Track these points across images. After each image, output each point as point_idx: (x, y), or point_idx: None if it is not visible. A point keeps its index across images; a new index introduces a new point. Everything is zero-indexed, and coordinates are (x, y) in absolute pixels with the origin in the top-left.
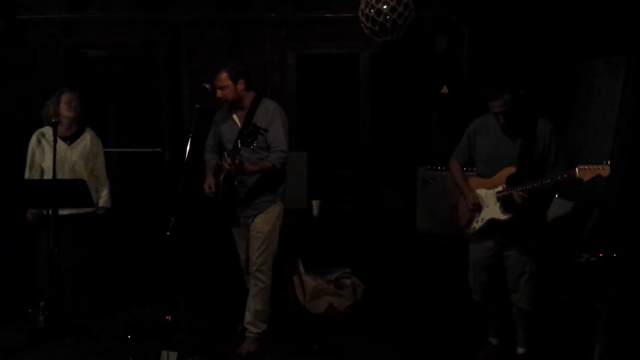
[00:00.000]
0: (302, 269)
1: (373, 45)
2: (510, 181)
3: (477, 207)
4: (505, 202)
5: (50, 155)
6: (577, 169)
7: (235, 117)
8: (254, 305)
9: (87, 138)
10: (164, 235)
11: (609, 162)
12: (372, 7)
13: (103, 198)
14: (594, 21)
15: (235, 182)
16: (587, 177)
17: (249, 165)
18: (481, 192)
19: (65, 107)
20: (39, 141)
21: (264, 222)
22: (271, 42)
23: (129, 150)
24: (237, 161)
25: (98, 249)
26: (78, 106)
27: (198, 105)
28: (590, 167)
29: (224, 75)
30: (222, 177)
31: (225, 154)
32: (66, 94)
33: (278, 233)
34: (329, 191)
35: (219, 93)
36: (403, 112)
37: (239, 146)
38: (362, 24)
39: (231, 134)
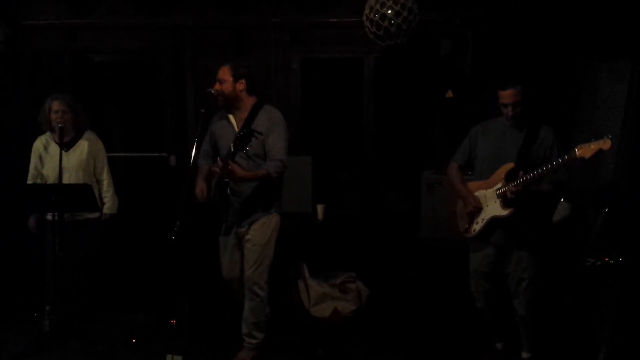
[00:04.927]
0: (306, 273)
1: (377, 50)
2: (510, 177)
3: (477, 209)
4: (505, 198)
5: (49, 162)
6: (576, 149)
7: (231, 118)
8: (250, 318)
9: (85, 143)
10: (168, 240)
11: (609, 135)
12: (377, 11)
13: (107, 204)
14: (600, 25)
15: (228, 190)
16: (588, 154)
17: (241, 171)
18: (480, 193)
19: (54, 115)
20: (39, 149)
21: (260, 234)
22: (275, 46)
23: (134, 154)
24: (229, 166)
25: (103, 253)
26: (67, 114)
27: (203, 110)
28: (590, 143)
29: (226, 69)
30: (214, 183)
31: (218, 158)
32: (55, 102)
33: (274, 245)
34: (333, 195)
35: (216, 85)
36: (407, 116)
37: (232, 150)
38: (367, 29)
39: (226, 135)
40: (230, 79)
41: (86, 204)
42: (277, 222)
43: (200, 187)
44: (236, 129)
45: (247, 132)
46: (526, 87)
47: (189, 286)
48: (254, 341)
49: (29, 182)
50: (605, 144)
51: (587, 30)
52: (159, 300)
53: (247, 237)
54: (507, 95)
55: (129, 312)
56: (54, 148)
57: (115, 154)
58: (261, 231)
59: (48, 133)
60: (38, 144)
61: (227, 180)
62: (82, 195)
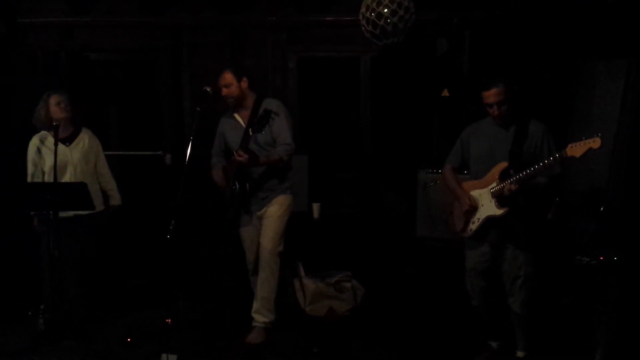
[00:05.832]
0: (302, 272)
1: (374, 49)
2: (503, 176)
3: (472, 209)
4: (500, 197)
5: (51, 159)
6: (567, 148)
7: (237, 117)
8: (261, 292)
9: (85, 137)
10: (164, 238)
11: (599, 134)
12: (373, 10)
13: (115, 196)
14: (596, 24)
15: (246, 180)
16: (578, 153)
17: (261, 157)
18: (475, 192)
19: (56, 108)
20: (38, 148)
21: (275, 209)
22: (272, 46)
23: (130, 153)
24: (248, 153)
25: (99, 251)
26: (68, 106)
27: (199, 109)
28: (581, 142)
29: (229, 74)
30: (232, 175)
31: (238, 149)
32: (53, 95)
33: (287, 223)
34: (329, 194)
35: (224, 91)
36: (403, 115)
37: (251, 133)
38: (363, 28)
39: (236, 134)
40: (235, 81)
41: (82, 203)
42: (290, 201)
43: (218, 174)
44: (243, 126)
45: (264, 114)
46: (509, 85)
47: (184, 285)
48: (262, 319)
49: (29, 181)
50: (595, 142)
51: (584, 29)
52: (154, 299)
53: (265, 214)
54: (490, 95)
55: (125, 311)
56: (52, 145)
57: (112, 152)
58: (276, 206)
59: (43, 132)
60: (36, 141)
61: (245, 169)
62: (77, 194)
